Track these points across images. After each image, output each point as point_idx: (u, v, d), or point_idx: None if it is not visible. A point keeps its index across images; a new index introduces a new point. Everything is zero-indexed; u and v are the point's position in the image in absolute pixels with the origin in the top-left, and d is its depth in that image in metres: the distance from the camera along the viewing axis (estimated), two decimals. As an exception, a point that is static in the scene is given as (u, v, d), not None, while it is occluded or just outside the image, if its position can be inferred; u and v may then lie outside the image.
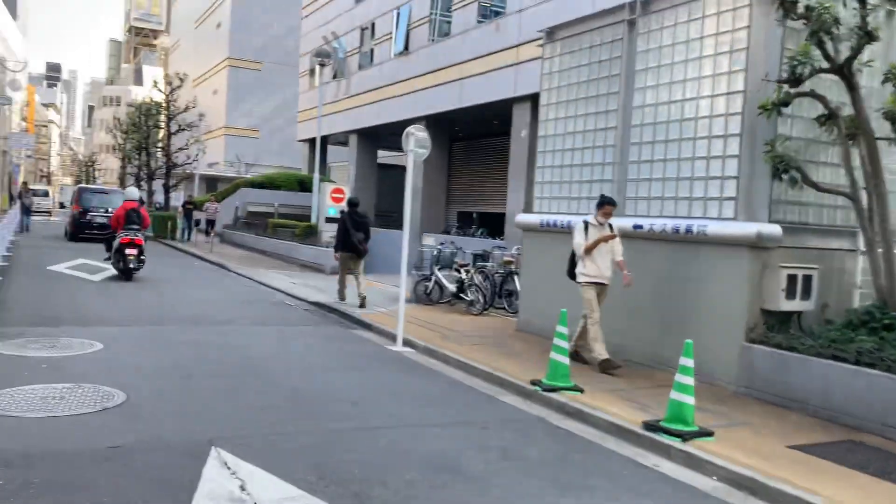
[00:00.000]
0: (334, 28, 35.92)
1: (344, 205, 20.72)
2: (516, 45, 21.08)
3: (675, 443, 5.65)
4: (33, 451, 4.76)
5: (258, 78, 57.85)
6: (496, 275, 12.99)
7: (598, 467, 5.34)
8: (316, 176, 23.16)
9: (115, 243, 15.07)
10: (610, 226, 8.31)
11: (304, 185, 33.59)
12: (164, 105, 31.40)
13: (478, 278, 12.69)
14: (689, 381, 5.87)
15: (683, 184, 8.31)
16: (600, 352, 8.09)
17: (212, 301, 12.68)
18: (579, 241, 8.26)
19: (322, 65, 22.85)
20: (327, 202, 20.70)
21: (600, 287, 8.29)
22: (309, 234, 21.36)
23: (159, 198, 36.78)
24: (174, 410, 5.96)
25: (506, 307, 12.78)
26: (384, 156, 38.45)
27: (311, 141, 39.13)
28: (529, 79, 19.82)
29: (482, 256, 14.09)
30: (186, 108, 30.98)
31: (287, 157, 56.40)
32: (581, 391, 7.06)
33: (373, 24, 30.81)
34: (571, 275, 8.53)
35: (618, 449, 5.78)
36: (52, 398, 6.01)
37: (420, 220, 25.39)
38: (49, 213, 51.32)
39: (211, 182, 52.27)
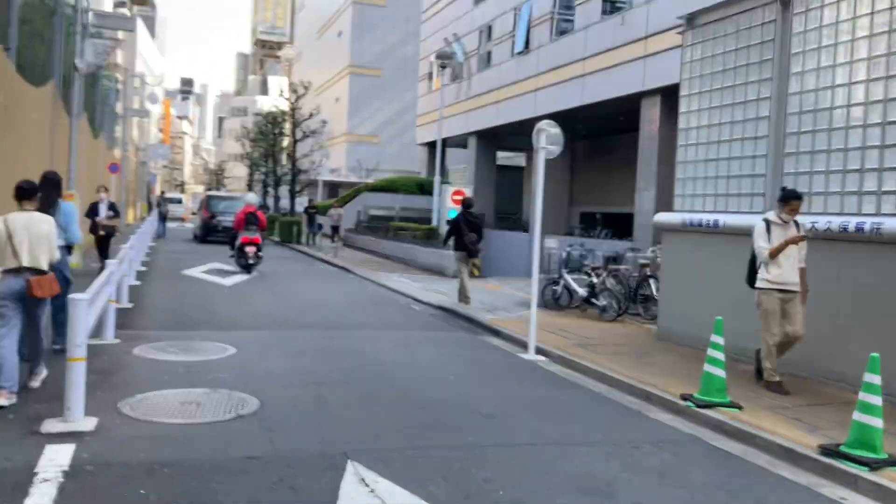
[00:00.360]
0: (454, 31, 35.95)
1: (457, 208, 20.66)
2: (644, 38, 20.19)
3: (862, 472, 4.92)
4: (174, 459, 4.66)
5: (378, 84, 58.95)
6: (630, 278, 12.32)
7: (772, 497, 4.71)
8: (436, 178, 23.08)
9: (237, 242, 17.37)
10: (797, 224, 7.20)
11: (423, 189, 33.76)
12: (289, 113, 32.37)
13: (610, 282, 12.07)
14: (877, 400, 5.13)
15: (852, 177, 7.44)
16: (771, 373, 7.22)
17: (338, 305, 12.69)
18: (762, 245, 7.14)
19: (443, 66, 22.76)
20: (448, 204, 20.53)
21: (786, 296, 7.13)
22: (430, 237, 21.28)
23: (285, 203, 37.97)
24: (308, 419, 5.78)
25: (641, 313, 12.08)
26: (503, 157, 38.13)
27: (431, 144, 39.39)
28: (659, 71, 18.91)
29: (614, 259, 13.42)
30: (310, 116, 31.80)
31: (406, 161, 57.20)
32: (739, 408, 6.38)
33: (491, 25, 30.56)
34: (751, 282, 7.44)
35: (792, 476, 5.11)
36: (189, 403, 5.97)
37: (542, 221, 24.92)
38: (183, 219, 54.17)
39: (333, 187, 53.69)
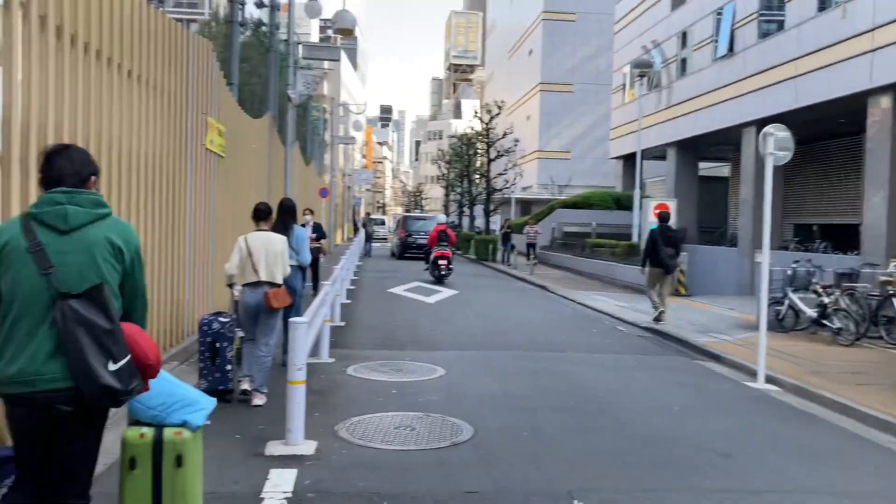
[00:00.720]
0: (649, 39, 34.68)
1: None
2: (870, 30, 18.13)
3: None
4: (394, 491, 4.52)
5: (569, 100, 58.37)
6: (868, 297, 10.89)
7: None
8: (636, 192, 22.18)
9: (431, 257, 19.85)
10: None
11: (620, 203, 32.75)
12: (483, 133, 32.79)
13: (845, 301, 10.73)
14: None
15: None
16: None
17: (540, 324, 12.35)
18: None
19: (641, 76, 21.87)
20: (650, 219, 19.55)
21: None
22: (630, 254, 20.41)
23: (479, 222, 38.47)
24: (525, 450, 5.46)
25: (884, 336, 10.63)
26: (704, 167, 36.10)
27: (625, 157, 38.17)
28: (890, 65, 16.89)
29: (848, 276, 11.97)
30: (504, 135, 31.99)
31: (598, 176, 55.92)
32: None
33: (688, 31, 29.07)
34: None
35: None
36: (404, 428, 5.88)
37: (750, 234, 23.06)
38: (386, 239, 56.65)
39: (525, 205, 53.70)
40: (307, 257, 8.08)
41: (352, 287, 17.52)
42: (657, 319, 12.26)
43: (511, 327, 11.86)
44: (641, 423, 6.35)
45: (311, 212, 14.73)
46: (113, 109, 6.56)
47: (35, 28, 5.01)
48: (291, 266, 7.18)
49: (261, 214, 6.74)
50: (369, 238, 34.21)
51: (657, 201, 19.79)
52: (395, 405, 6.61)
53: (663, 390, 7.81)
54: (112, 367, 2.69)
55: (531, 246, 26.24)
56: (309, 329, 5.97)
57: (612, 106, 40.91)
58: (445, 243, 19.59)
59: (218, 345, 6.51)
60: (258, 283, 6.42)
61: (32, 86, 4.97)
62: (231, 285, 6.83)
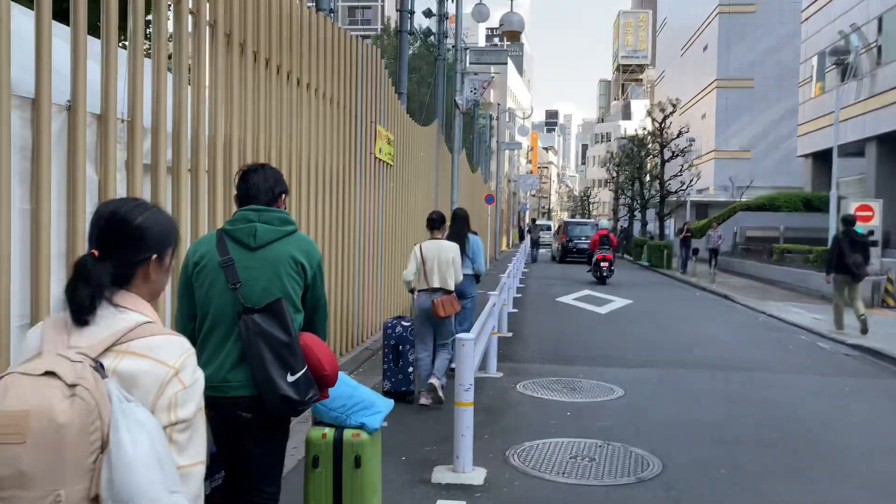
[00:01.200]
0: (842, 26, 31.58)
1: (872, 225, 17.50)
2: None
3: None
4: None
5: (748, 96, 54.70)
6: None
7: None
8: (833, 193, 20.03)
9: (594, 259, 21.31)
10: None
11: (810, 205, 30.06)
12: (656, 133, 31.23)
13: None
14: None
15: None
16: None
17: (726, 339, 11.24)
18: None
19: (839, 64, 19.71)
20: (851, 222, 17.53)
21: None
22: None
23: (652, 227, 36.78)
24: (725, 494, 4.71)
25: None
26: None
27: (816, 155, 35.04)
28: None
29: None
30: (679, 134, 30.27)
31: (782, 177, 51.93)
32: None
33: (889, 13, 26.05)
34: None
35: None
36: (582, 458, 5.30)
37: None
38: (551, 245, 55.85)
39: (700, 208, 50.81)
40: (482, 266, 8.20)
41: (518, 295, 17.07)
42: (862, 331, 11.35)
43: (695, 342, 10.88)
44: (867, 466, 5.36)
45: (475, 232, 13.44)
46: (293, 122, 6.59)
47: (221, 45, 5.06)
48: (466, 274, 7.43)
49: (434, 224, 6.98)
50: (535, 244, 34.06)
51: (857, 202, 17.70)
52: (571, 430, 6.05)
53: (886, 420, 6.67)
54: (290, 378, 2.78)
55: (714, 252, 24.17)
56: (476, 345, 5.58)
57: (799, 100, 37.73)
58: (607, 247, 21.15)
59: (400, 347, 6.79)
60: (431, 290, 6.66)
61: (218, 100, 5.08)
62: (412, 291, 7.07)
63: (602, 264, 20.74)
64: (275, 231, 2.90)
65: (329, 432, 3.45)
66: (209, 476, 3.07)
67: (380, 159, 10.57)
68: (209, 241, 2.93)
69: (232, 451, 2.91)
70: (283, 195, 3.05)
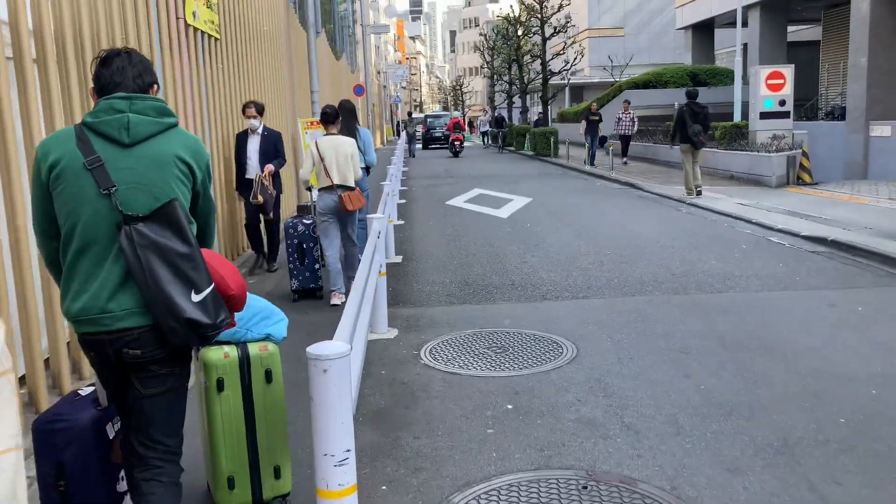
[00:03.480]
0: None
1: (783, 94, 15.82)
2: None
3: None
4: None
5: (620, -31, 52.65)
6: None
7: None
8: (737, 60, 18.24)
9: (450, 141, 28.81)
10: None
11: (696, 79, 28.66)
12: (534, 7, 28.44)
13: None
14: None
15: None
16: None
17: (665, 243, 9.09)
18: None
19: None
20: (760, 92, 15.80)
21: None
22: (738, 137, 16.75)
23: (533, 113, 34.60)
24: None
25: None
26: (794, 31, 31.41)
27: (696, 27, 33.56)
28: None
29: None
30: (560, 7, 27.61)
31: (656, 53, 50.93)
32: None
33: None
34: None
35: None
36: (538, 489, 2.86)
37: (864, 104, 19.05)
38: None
39: (576, 91, 49.21)
40: (374, 158, 8.09)
41: (402, 201, 14.43)
42: (697, 194, 13.18)
43: (631, 251, 8.65)
44: None
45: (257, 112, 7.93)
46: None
47: None
48: (361, 167, 7.09)
49: (328, 118, 6.71)
50: (412, 138, 33.38)
51: (770, 69, 15.89)
52: (523, 440, 3.60)
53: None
54: (196, 297, 2.26)
55: (625, 139, 21.16)
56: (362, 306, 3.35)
57: (677, -32, 35.78)
58: (459, 130, 30.05)
59: (304, 245, 6.72)
60: (332, 187, 6.42)
61: None
62: (309, 188, 6.97)
63: (455, 143, 29.57)
64: (153, 123, 2.34)
65: (231, 350, 3.00)
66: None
67: (196, 28, 7.39)
68: (66, 140, 2.31)
69: (121, 398, 2.44)
70: (155, 87, 2.46)
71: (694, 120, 12.82)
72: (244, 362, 3.01)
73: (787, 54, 28.12)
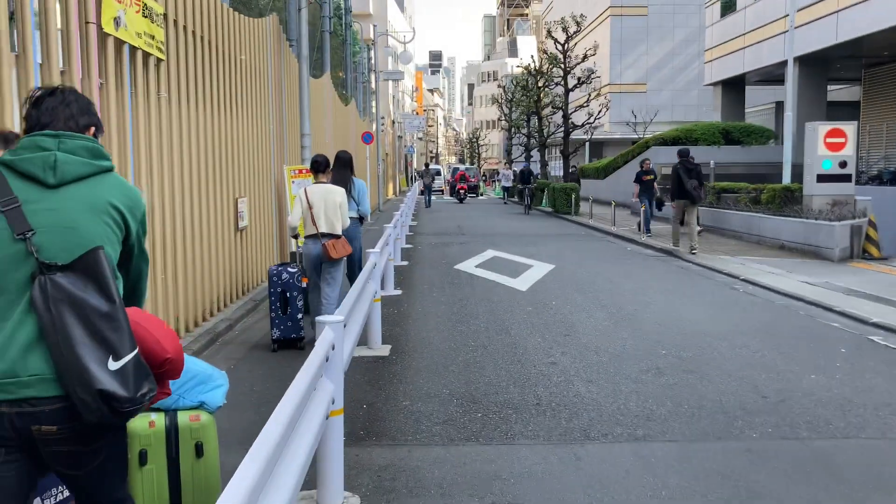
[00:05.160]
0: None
1: (844, 154, 13.82)
2: None
3: None
4: None
5: (643, 25, 51.53)
6: None
7: None
8: (787, 116, 16.33)
9: (456, 189, 33.51)
10: None
11: (729, 137, 26.78)
12: (557, 57, 26.83)
13: None
14: None
15: None
16: None
17: (735, 341, 6.95)
18: None
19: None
20: (818, 152, 13.82)
21: None
22: (787, 201, 14.73)
23: (553, 167, 32.76)
24: None
25: None
26: (832, 90, 29.68)
27: (726, 83, 31.90)
28: None
29: None
30: (585, 57, 25.96)
31: (679, 112, 49.42)
32: None
33: None
34: None
35: None
36: None
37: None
38: (441, 191, 51.42)
39: (595, 147, 47.60)
40: (368, 208, 8.06)
41: (403, 262, 12.46)
42: (691, 251, 13.10)
43: (692, 348, 6.56)
44: None
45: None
46: None
47: None
48: (352, 218, 7.48)
49: (318, 167, 6.69)
50: (429, 189, 32.83)
51: (830, 126, 13.94)
52: None
53: None
54: (113, 364, 1.93)
55: (659, 204, 17.19)
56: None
57: (705, 22, 34.33)
58: (464, 181, 35.97)
59: (288, 294, 6.55)
60: (318, 235, 6.40)
61: None
62: (296, 236, 6.91)
63: (460, 190, 35.48)
64: (84, 164, 2.09)
65: (158, 419, 2.77)
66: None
67: (121, 41, 5.52)
68: None
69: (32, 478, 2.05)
70: (94, 129, 2.22)
71: (689, 176, 13.25)
72: (172, 433, 2.75)
73: (828, 114, 26.34)
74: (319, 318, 3.51)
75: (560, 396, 5.20)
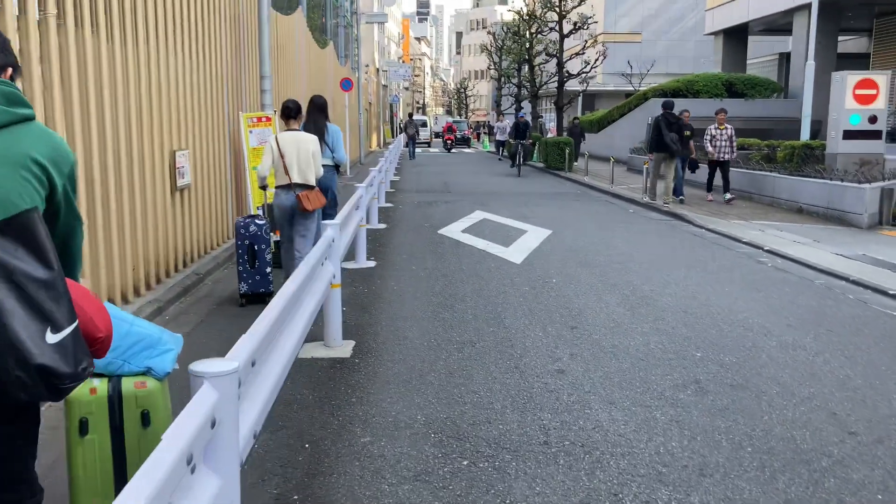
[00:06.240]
0: None
1: (875, 108, 12.42)
2: None
3: None
4: None
5: (638, -29, 49.31)
6: None
7: None
8: (809, 65, 14.84)
9: (444, 139, 39.02)
10: None
11: (732, 89, 25.27)
12: (553, 2, 24.97)
13: None
14: None
15: None
16: None
17: (783, 338, 5.57)
18: None
19: None
20: (845, 105, 12.39)
21: None
22: (805, 160, 13.34)
23: (546, 120, 31.10)
24: None
25: None
26: (845, 40, 28.10)
27: (727, 32, 30.21)
28: None
29: None
30: (581, 1, 24.16)
31: (674, 63, 47.56)
32: None
33: None
34: None
35: None
36: None
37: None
38: (428, 143, 49.66)
39: (587, 99, 45.86)
40: (343, 155, 7.74)
41: (381, 225, 11.05)
42: (663, 200, 13.14)
43: (732, 349, 5.21)
44: None
45: None
46: None
47: None
48: (327, 165, 7.36)
49: (290, 113, 6.36)
50: (413, 140, 32.10)
51: (860, 76, 12.48)
52: None
53: None
54: (52, 337, 1.75)
55: (721, 165, 14.05)
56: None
57: (708, -33, 32.27)
58: (451, 132, 40.89)
59: (256, 247, 6.31)
60: (291, 186, 6.11)
61: None
62: (264, 187, 6.40)
63: (448, 142, 40.20)
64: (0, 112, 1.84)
65: (100, 385, 2.56)
66: None
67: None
68: None
69: None
70: (11, 70, 1.97)
71: (669, 129, 13.01)
72: (115, 400, 2.57)
73: (838, 67, 24.80)
74: (324, 222, 3.65)
75: (575, 429, 3.85)
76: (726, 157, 13.86)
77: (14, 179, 1.81)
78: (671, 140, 12.95)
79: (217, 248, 8.62)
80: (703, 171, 14.94)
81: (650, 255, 8.93)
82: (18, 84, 1.94)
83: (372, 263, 8.25)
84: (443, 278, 7.57)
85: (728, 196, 13.84)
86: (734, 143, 13.96)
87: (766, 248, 9.39)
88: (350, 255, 7.95)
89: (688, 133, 13.83)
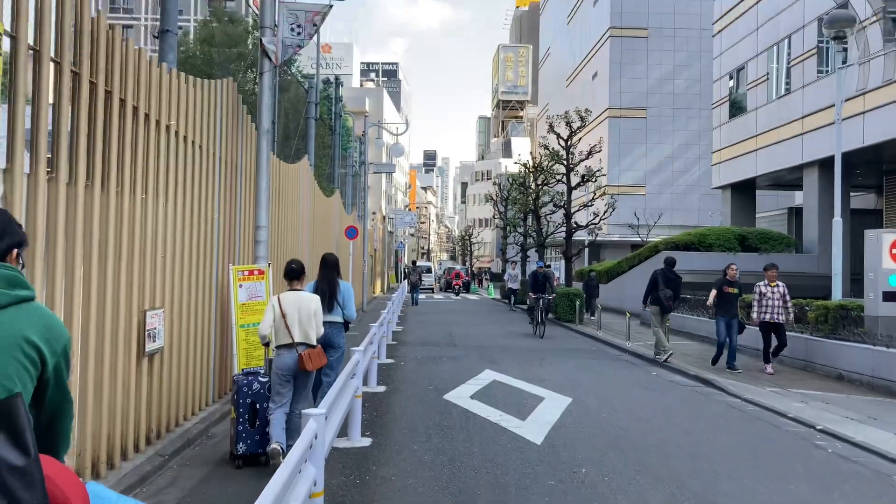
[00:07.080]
0: (765, 36, 27.01)
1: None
2: None
3: None
4: None
5: (641, 128, 50.70)
6: None
7: None
8: (836, 221, 14.23)
9: (451, 285, 45.83)
10: None
11: (746, 244, 24.75)
12: (559, 153, 25.02)
13: None
14: None
15: None
16: None
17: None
18: None
19: (838, 37, 13.82)
20: (883, 265, 11.59)
21: None
22: (842, 323, 12.37)
23: (555, 271, 30.51)
24: None
25: None
26: (854, 196, 27.91)
27: (736, 186, 30.19)
28: None
29: None
30: (591, 153, 24.16)
31: (679, 216, 47.86)
32: None
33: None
34: None
35: None
36: None
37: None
38: (432, 289, 49.11)
39: (594, 250, 45.72)
40: (353, 312, 7.62)
41: (380, 388, 9.93)
42: (665, 358, 13.13)
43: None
44: None
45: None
46: None
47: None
48: (335, 322, 7.34)
49: (294, 274, 6.45)
50: (416, 287, 31.95)
51: (894, 235, 11.76)
52: None
53: None
54: None
55: (774, 327, 12.28)
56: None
57: (713, 124, 32.90)
58: (458, 278, 46.29)
59: (258, 406, 6.22)
60: (292, 345, 6.13)
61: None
62: (267, 345, 6.43)
63: (455, 287, 45.75)
64: None
65: None
66: None
67: None
68: None
69: None
70: (17, 250, 2.01)
71: (666, 285, 13.32)
72: None
73: (851, 221, 24.42)
74: (306, 411, 3.86)
75: None
76: (780, 318, 12.15)
77: (8, 364, 1.82)
78: (665, 296, 13.23)
79: (189, 420, 7.49)
80: (751, 336, 13.75)
81: (689, 436, 7.75)
82: (26, 254, 2.04)
83: (367, 442, 7.09)
84: (450, 464, 6.40)
85: (769, 368, 12.45)
86: (789, 303, 12.20)
87: (818, 428, 8.21)
88: (343, 429, 6.83)
89: (734, 290, 12.74)
